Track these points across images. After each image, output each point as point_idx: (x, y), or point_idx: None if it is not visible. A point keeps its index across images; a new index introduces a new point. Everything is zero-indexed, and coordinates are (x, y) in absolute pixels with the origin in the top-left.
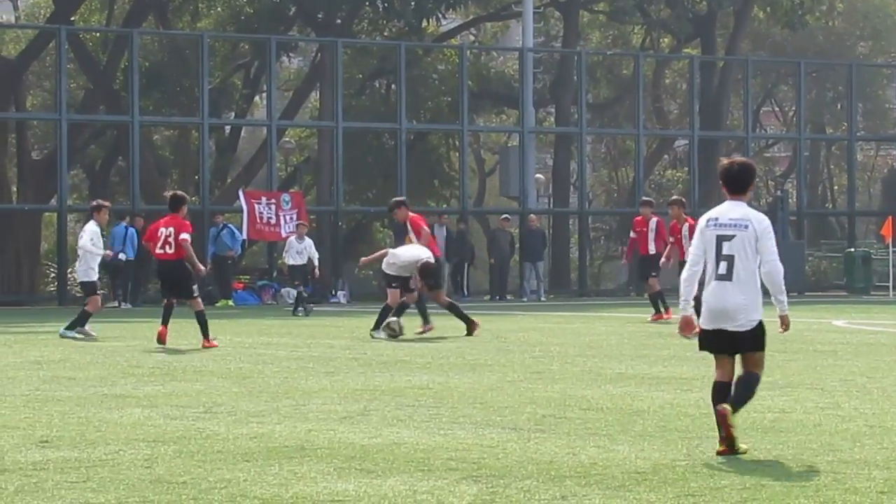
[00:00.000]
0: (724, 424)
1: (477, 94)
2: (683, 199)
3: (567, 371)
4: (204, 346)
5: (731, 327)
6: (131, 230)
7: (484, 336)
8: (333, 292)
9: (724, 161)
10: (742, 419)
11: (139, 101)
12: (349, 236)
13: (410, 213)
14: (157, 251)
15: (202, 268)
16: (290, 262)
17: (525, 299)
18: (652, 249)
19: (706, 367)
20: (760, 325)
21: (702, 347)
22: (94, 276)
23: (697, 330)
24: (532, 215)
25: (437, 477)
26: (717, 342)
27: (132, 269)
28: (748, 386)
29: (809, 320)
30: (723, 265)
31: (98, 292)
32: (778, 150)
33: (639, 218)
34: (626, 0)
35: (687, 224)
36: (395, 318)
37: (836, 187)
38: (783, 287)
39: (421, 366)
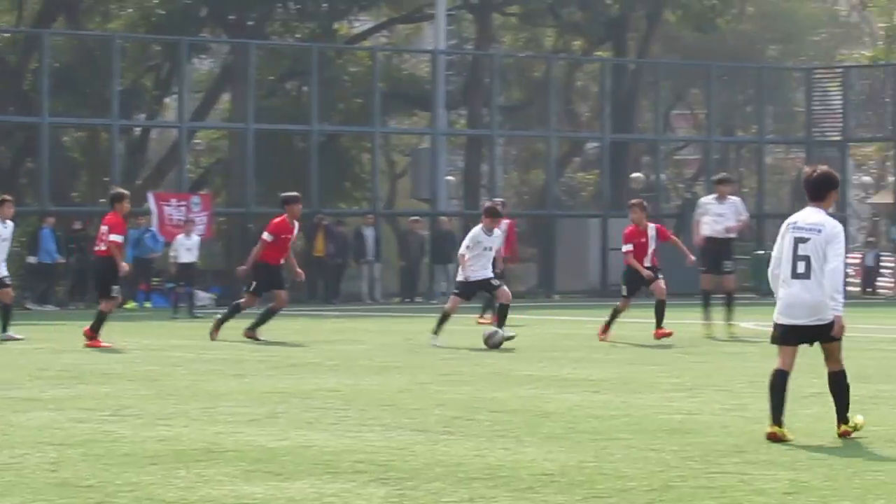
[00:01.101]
0: (774, 439)
1: (389, 96)
2: (645, 203)
3: (476, 373)
4: (88, 345)
5: (810, 321)
6: (45, 231)
7: (394, 338)
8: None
9: (807, 169)
10: (650, 421)
11: (49, 103)
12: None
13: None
14: (95, 248)
15: (125, 268)
16: (181, 260)
17: (435, 301)
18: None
19: (615, 368)
20: (824, 323)
21: (774, 340)
22: None
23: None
24: (443, 217)
25: (345, 479)
26: (791, 335)
27: (47, 270)
28: (841, 386)
29: (717, 322)
30: (801, 265)
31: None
32: (688, 153)
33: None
34: (538, 3)
35: (653, 226)
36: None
37: (745, 190)
38: (840, 289)
39: (330, 368)
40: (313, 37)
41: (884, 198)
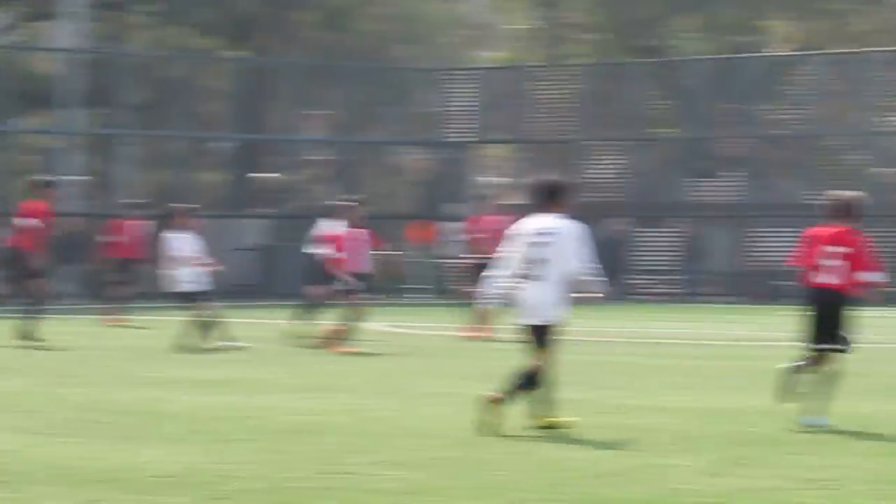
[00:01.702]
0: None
1: (15, 95)
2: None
3: (99, 374)
4: None
5: (537, 321)
6: None
7: (10, 339)
8: None
9: (535, 177)
10: (272, 422)
11: None
12: None
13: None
14: None
15: None
16: None
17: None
18: (136, 254)
19: (240, 369)
20: (557, 324)
21: (522, 341)
22: None
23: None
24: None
25: None
26: (528, 335)
27: None
28: (540, 379)
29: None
30: (535, 268)
31: None
32: (318, 153)
33: (127, 222)
34: (169, 1)
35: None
36: None
37: (375, 191)
38: (585, 273)
39: None
40: None
41: (514, 199)
